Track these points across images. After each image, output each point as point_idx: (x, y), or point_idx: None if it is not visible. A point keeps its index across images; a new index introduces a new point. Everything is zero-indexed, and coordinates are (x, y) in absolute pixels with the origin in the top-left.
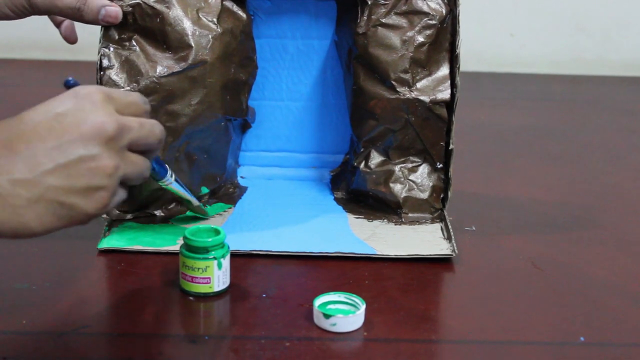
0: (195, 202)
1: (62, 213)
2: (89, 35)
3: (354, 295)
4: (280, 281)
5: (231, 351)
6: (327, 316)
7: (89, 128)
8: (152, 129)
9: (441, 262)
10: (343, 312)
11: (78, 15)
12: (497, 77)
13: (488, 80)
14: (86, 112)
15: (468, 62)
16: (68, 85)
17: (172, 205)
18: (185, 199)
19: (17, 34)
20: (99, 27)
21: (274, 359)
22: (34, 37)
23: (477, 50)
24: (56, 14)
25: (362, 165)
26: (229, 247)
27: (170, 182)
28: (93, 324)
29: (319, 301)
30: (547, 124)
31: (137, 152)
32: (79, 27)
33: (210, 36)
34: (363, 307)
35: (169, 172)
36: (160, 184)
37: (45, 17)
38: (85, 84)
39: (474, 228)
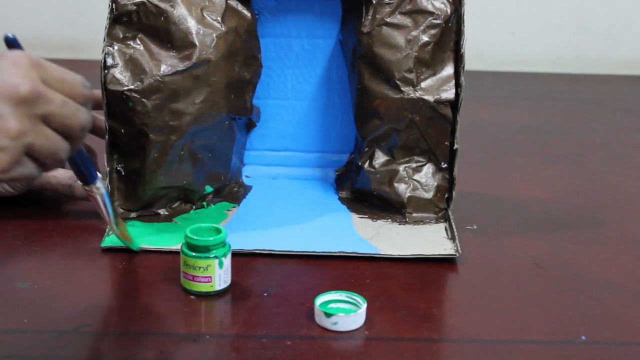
0: (113, 222)
1: None
2: (90, 33)
3: (355, 294)
4: (281, 280)
5: (232, 350)
6: (328, 315)
7: (1, 86)
8: (75, 111)
9: (442, 261)
10: (344, 311)
11: (69, 192)
12: (498, 75)
13: (489, 79)
14: (4, 72)
15: (469, 60)
16: (8, 42)
17: (176, 204)
18: (104, 217)
19: (17, 33)
20: (102, 25)
21: (275, 357)
22: (34, 36)
23: (478, 48)
24: (50, 189)
25: (366, 164)
26: (230, 246)
27: (101, 190)
28: (94, 323)
29: (320, 300)
30: (549, 122)
31: (55, 131)
32: (79, 25)
33: (214, 35)
34: (364, 306)
35: (99, 179)
36: (86, 188)
37: (46, 16)
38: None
39: (475, 227)
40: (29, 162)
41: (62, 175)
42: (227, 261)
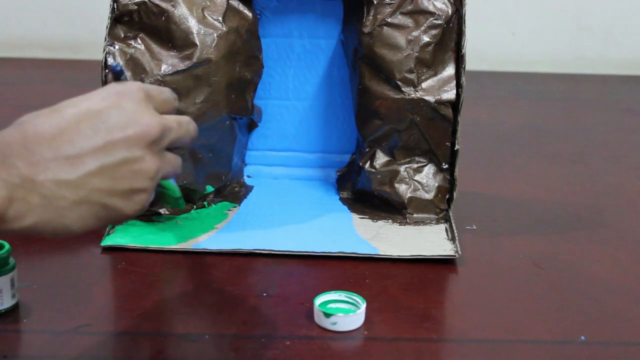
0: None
1: (102, 214)
2: (90, 34)
3: (355, 294)
4: (280, 280)
5: (231, 350)
6: (327, 315)
7: (135, 130)
8: (187, 127)
9: (442, 262)
10: (343, 311)
11: None
12: (498, 76)
13: (489, 79)
14: (130, 113)
15: (469, 61)
16: (115, 72)
17: None
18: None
19: (17, 32)
20: (102, 25)
21: (275, 357)
22: (34, 35)
23: (478, 49)
24: None
25: (367, 165)
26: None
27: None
28: (94, 323)
29: (319, 300)
30: (548, 123)
31: (171, 150)
32: (79, 25)
33: (215, 35)
34: (363, 306)
35: None
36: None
37: (46, 15)
38: (86, 82)
39: (474, 227)
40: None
41: None
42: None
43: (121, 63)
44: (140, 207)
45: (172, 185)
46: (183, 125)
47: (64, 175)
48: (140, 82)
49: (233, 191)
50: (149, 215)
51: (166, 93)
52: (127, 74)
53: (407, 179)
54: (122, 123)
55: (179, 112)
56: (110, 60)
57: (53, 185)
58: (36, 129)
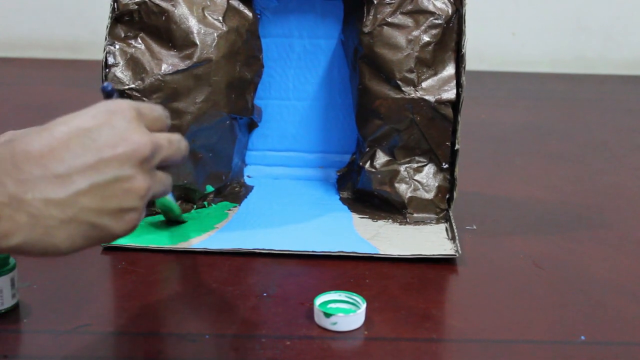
0: (178, 210)
1: (91, 234)
2: (90, 34)
3: (355, 294)
4: (281, 280)
5: (232, 350)
6: (327, 315)
7: (124, 149)
8: (179, 145)
9: (442, 261)
10: (344, 311)
11: None
12: (498, 75)
13: (489, 79)
14: (121, 131)
15: (469, 60)
16: (106, 92)
17: (177, 204)
18: (171, 207)
19: (17, 32)
20: (102, 25)
21: (275, 357)
22: (34, 35)
23: (478, 49)
24: None
25: (367, 165)
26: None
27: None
28: (94, 323)
29: (319, 300)
30: (548, 122)
31: (162, 169)
32: (79, 25)
33: (215, 34)
34: (364, 306)
35: None
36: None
37: (46, 15)
38: (86, 82)
39: (474, 227)
40: (145, 208)
41: None
42: None
43: (121, 63)
44: (130, 226)
45: (173, 203)
46: (174, 144)
47: (53, 194)
48: (131, 101)
49: (233, 191)
50: (148, 216)
51: (158, 111)
52: (128, 73)
53: (407, 179)
54: (112, 141)
55: (177, 111)
56: (105, 84)
57: (41, 204)
58: (25, 147)
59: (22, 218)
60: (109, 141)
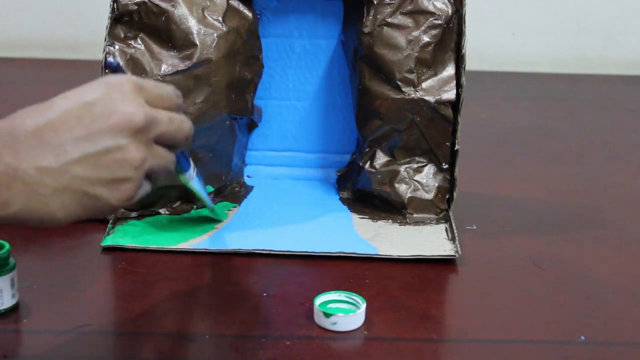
0: (210, 205)
1: (87, 203)
2: (90, 34)
3: (355, 294)
4: (280, 280)
5: (231, 350)
6: (327, 315)
7: (117, 119)
8: (181, 125)
9: (442, 262)
10: (343, 311)
11: None
12: (498, 75)
13: (489, 79)
14: (116, 102)
15: (469, 60)
16: (111, 67)
17: (177, 204)
18: (201, 199)
19: (17, 32)
20: (102, 25)
21: (275, 357)
22: (34, 35)
23: (478, 48)
24: None
25: (367, 165)
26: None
27: (192, 177)
28: (94, 323)
29: (319, 300)
30: (548, 122)
31: (163, 146)
32: (79, 25)
33: (215, 35)
34: (363, 306)
35: (192, 166)
36: (181, 177)
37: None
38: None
39: (474, 227)
40: (145, 182)
41: None
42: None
43: (121, 63)
44: (126, 197)
45: (203, 197)
46: (175, 122)
47: (46, 162)
48: (135, 76)
49: (233, 191)
50: (148, 216)
51: (164, 89)
52: (127, 73)
53: (407, 179)
54: (106, 112)
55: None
56: (110, 59)
57: (35, 172)
58: (24, 121)
59: (18, 186)
60: (103, 112)
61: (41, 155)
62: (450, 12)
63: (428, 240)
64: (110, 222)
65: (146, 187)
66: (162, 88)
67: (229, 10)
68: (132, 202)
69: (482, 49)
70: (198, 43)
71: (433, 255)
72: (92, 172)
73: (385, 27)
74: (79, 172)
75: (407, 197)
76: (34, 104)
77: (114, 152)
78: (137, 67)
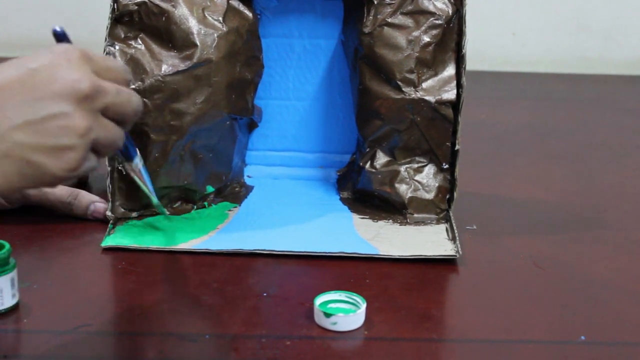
0: (154, 200)
1: (28, 172)
2: (89, 34)
3: (355, 294)
4: (281, 280)
5: (232, 350)
6: (327, 315)
7: (61, 85)
8: (129, 97)
9: (442, 262)
10: (344, 311)
11: (68, 209)
12: (498, 75)
13: (489, 79)
14: (61, 69)
15: (469, 60)
16: (57, 35)
17: (177, 204)
18: (146, 192)
19: (17, 32)
20: (102, 25)
21: (275, 357)
22: (34, 35)
23: (478, 48)
24: (47, 207)
25: (367, 165)
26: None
27: (139, 166)
28: (94, 323)
29: (319, 300)
30: (549, 122)
31: (111, 120)
32: (79, 25)
33: (215, 35)
34: (364, 306)
35: (138, 156)
36: (126, 166)
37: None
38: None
39: (474, 227)
40: (92, 156)
41: (61, 192)
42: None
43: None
44: (69, 167)
45: (148, 190)
46: (123, 94)
47: None
48: (80, 46)
49: (233, 191)
50: (149, 216)
51: (113, 62)
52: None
53: (408, 179)
54: (50, 78)
55: (178, 112)
56: (55, 27)
57: None
58: None
59: None
60: (48, 78)
61: None
62: (450, 12)
63: (428, 240)
64: (111, 222)
65: (92, 162)
66: (110, 60)
67: (229, 10)
68: (77, 174)
69: (483, 49)
70: (198, 43)
71: (433, 255)
72: (34, 138)
73: (385, 27)
74: (20, 138)
75: (407, 197)
76: None
77: (58, 118)
78: (137, 67)
